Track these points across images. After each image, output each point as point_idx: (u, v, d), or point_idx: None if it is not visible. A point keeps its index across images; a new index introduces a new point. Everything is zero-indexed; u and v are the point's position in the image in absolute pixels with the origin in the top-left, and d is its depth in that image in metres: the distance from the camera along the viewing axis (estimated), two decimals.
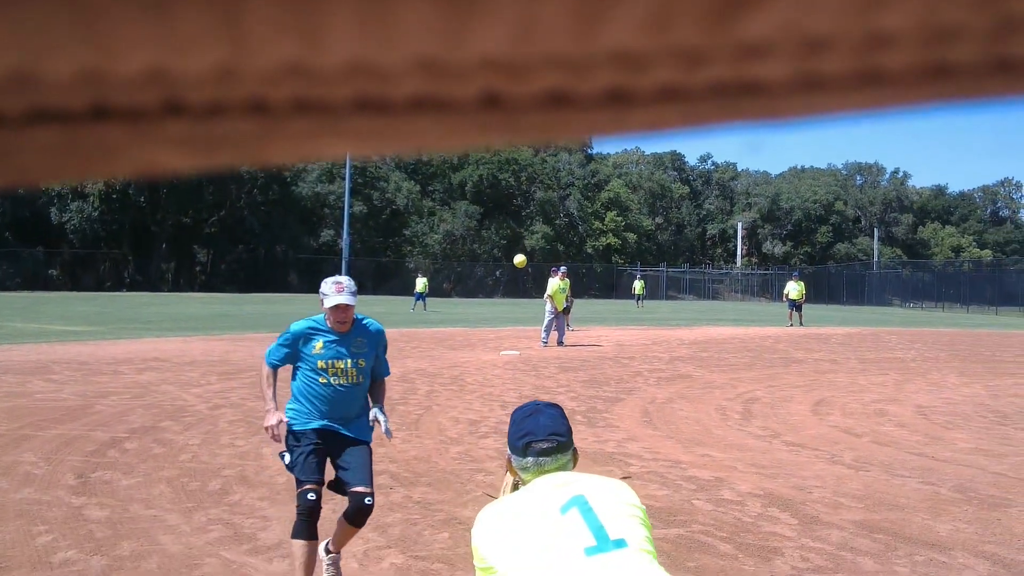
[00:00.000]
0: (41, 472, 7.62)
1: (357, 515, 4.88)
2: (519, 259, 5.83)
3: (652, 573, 2.50)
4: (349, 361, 4.98)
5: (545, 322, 22.01)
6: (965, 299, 60.09)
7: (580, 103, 0.25)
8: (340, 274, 5.24)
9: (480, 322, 30.98)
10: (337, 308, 4.88)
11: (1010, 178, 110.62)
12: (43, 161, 0.25)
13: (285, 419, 4.95)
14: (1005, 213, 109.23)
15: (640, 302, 51.06)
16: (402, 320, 30.17)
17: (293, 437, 4.97)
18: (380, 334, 5.23)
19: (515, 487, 3.28)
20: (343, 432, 5.02)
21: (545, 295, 22.54)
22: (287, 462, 4.96)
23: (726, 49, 0.24)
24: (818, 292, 65.92)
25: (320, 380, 4.95)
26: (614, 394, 13.48)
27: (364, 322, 5.13)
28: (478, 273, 75.51)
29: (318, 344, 4.96)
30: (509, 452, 2.94)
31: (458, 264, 74.42)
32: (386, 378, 5.34)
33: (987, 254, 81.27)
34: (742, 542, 6.19)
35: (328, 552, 5.08)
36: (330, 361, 4.95)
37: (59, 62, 0.22)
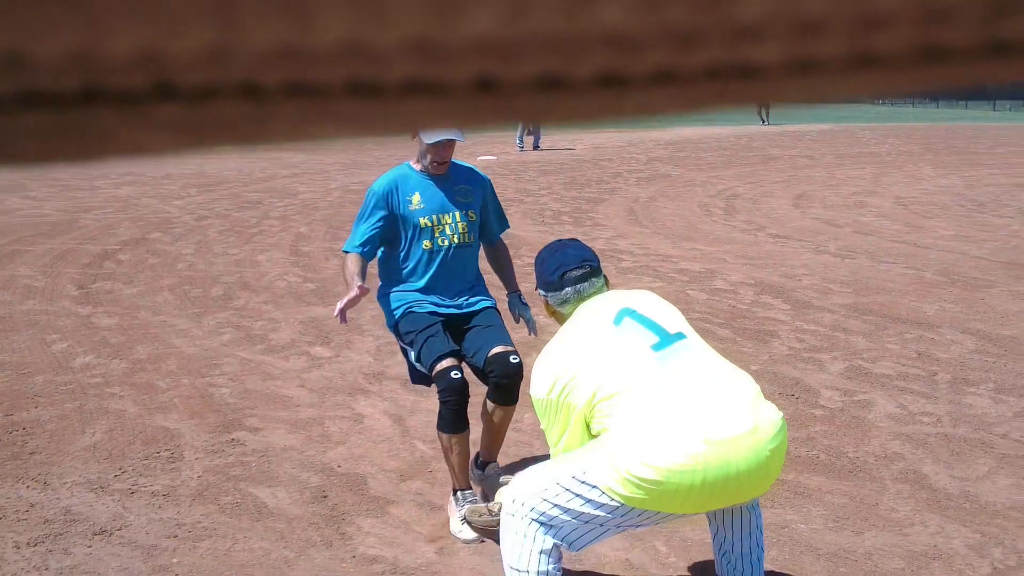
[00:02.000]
0: (41, 285, 7.66)
1: (503, 383, 3.61)
2: None
3: (714, 356, 2.66)
4: (457, 214, 3.79)
5: (519, 127, 21.82)
6: (935, 94, 59.87)
7: (573, 86, 0.25)
8: None
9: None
10: (440, 145, 3.69)
11: None
12: (34, 144, 0.25)
13: (365, 286, 3.50)
14: None
15: None
16: None
17: (404, 325, 3.75)
18: (486, 181, 4.00)
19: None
20: (459, 311, 3.82)
21: None
22: (411, 358, 3.76)
23: (719, 31, 0.24)
24: None
25: (424, 245, 3.74)
26: (596, 194, 13.56)
27: (463, 165, 3.99)
28: None
29: (415, 197, 3.75)
30: (544, 294, 2.96)
31: None
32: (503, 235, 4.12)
33: None
34: (739, 327, 6.40)
35: (482, 467, 3.95)
36: (435, 216, 3.75)
37: (50, 44, 0.22)
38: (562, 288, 2.89)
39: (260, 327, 6.40)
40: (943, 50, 0.25)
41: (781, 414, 2.57)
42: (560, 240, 3.11)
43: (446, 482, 3.92)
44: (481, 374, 3.73)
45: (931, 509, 3.73)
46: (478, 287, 3.91)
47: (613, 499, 2.43)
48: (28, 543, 3.45)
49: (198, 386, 5.17)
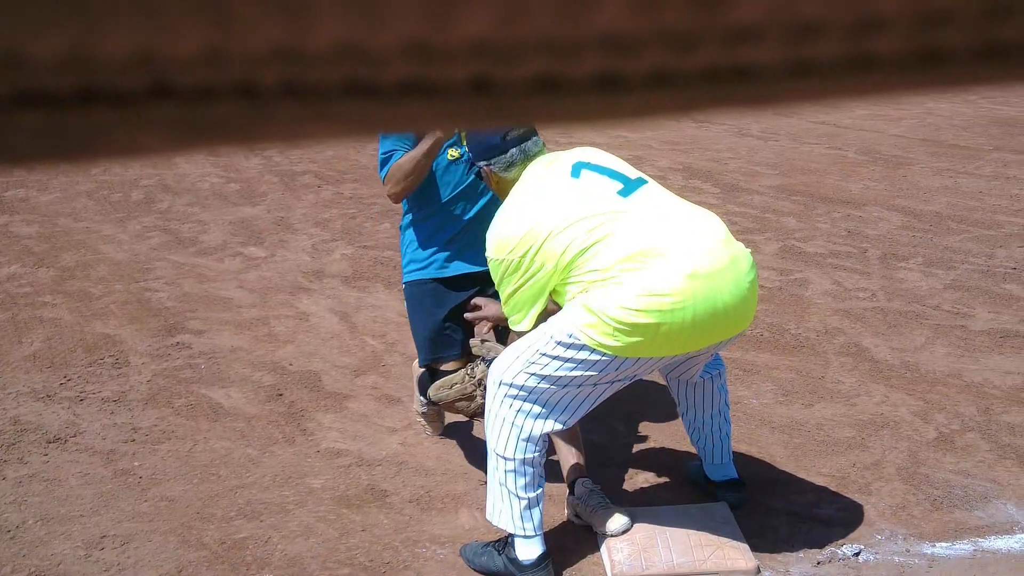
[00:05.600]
0: None
1: None
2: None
3: (678, 198, 2.68)
4: None
5: None
6: None
7: (571, 88, 0.25)
8: None
9: None
10: None
11: None
12: (30, 144, 0.25)
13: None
14: None
15: None
16: None
17: (411, 298, 3.31)
18: None
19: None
20: (479, 266, 3.12)
21: None
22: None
23: (717, 32, 0.24)
24: None
25: (449, 155, 3.16)
26: None
27: None
28: None
29: None
30: (487, 163, 2.75)
31: None
32: None
33: None
34: None
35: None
36: None
37: (46, 43, 0.22)
38: (507, 150, 2.70)
39: (188, 230, 6.24)
40: (941, 52, 0.25)
41: (749, 250, 2.63)
42: None
43: (401, 376, 3.93)
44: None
45: (875, 380, 3.87)
46: None
47: (605, 354, 2.41)
48: None
49: (133, 291, 5.04)
